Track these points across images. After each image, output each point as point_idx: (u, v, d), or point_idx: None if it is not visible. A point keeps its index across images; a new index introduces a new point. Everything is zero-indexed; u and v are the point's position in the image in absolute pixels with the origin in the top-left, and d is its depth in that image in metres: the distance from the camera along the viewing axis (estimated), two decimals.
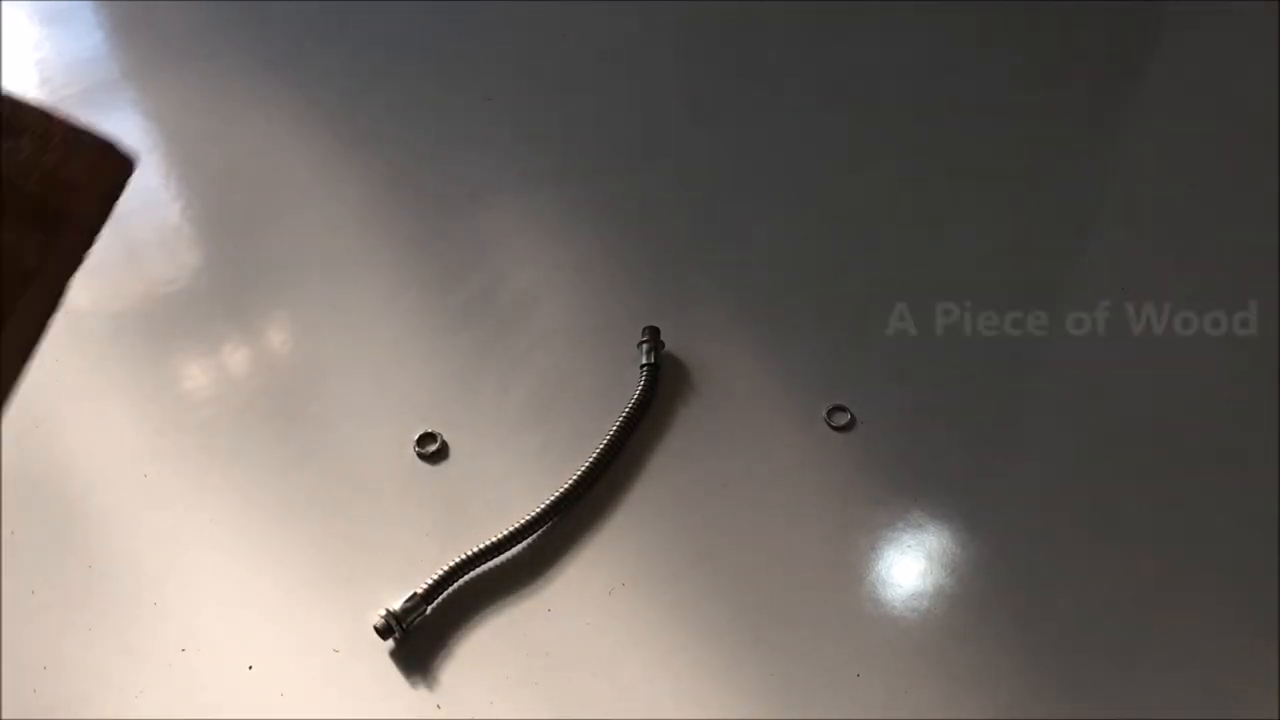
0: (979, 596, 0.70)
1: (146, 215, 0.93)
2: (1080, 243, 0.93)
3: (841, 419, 0.78)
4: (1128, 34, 1.10)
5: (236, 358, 0.84)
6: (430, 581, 0.68)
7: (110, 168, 0.45)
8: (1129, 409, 0.80)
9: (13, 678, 0.66)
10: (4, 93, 0.43)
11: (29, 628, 0.68)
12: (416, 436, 0.77)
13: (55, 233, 0.43)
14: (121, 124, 1.02)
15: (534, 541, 0.71)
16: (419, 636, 0.67)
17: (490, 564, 0.70)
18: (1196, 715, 0.64)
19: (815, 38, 1.08)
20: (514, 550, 0.71)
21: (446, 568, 0.68)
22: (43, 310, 0.43)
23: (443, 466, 0.76)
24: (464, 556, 0.69)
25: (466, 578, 0.69)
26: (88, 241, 0.45)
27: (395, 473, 0.75)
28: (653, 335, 0.81)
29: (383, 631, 0.66)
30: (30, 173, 0.42)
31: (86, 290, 0.88)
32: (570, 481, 0.72)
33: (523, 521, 0.70)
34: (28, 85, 1.03)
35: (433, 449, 0.76)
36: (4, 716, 0.64)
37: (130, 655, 0.67)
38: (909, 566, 0.71)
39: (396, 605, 0.66)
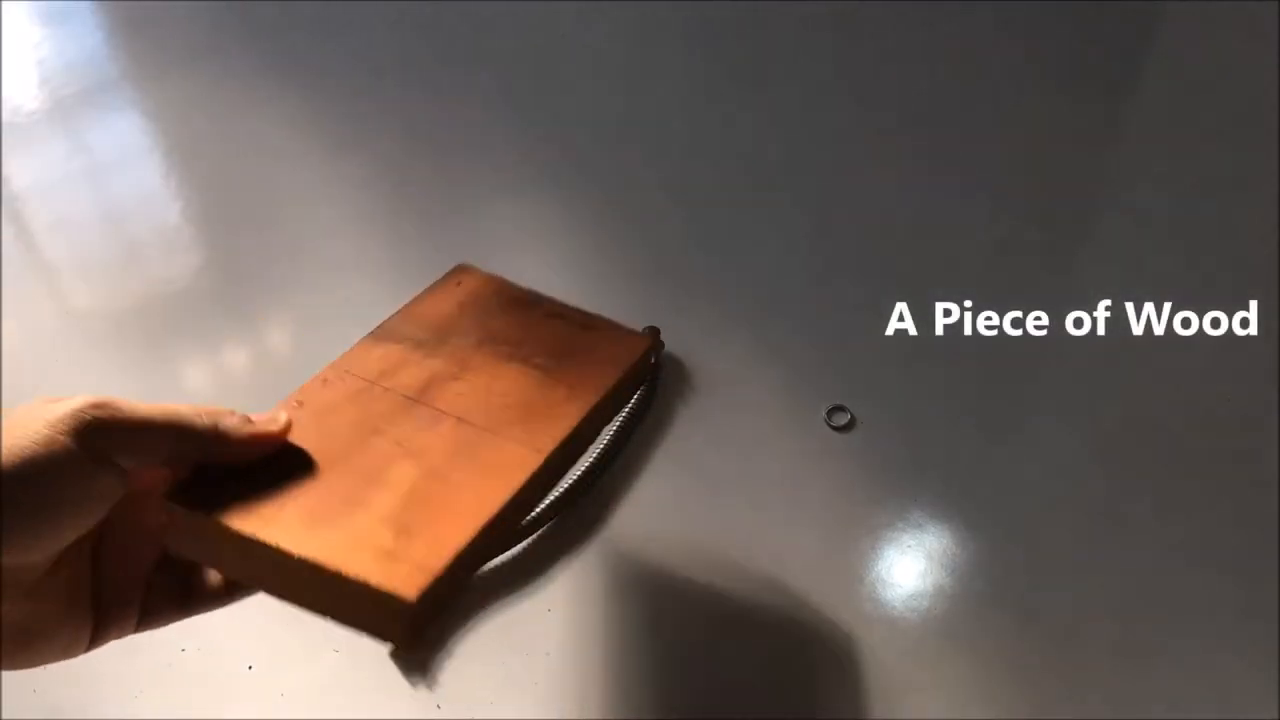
0: (979, 596, 0.70)
1: (146, 215, 0.93)
2: (1080, 243, 0.93)
3: (841, 419, 0.78)
4: (1128, 34, 1.10)
5: (237, 358, 0.84)
6: None
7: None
8: (1129, 409, 0.80)
9: (13, 678, 0.66)
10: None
11: None
12: None
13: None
14: (121, 124, 1.02)
15: (534, 541, 0.71)
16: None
17: (490, 564, 0.70)
18: (1196, 715, 0.64)
19: (815, 38, 1.08)
20: (514, 550, 0.71)
21: None
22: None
23: None
24: None
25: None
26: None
27: None
28: (653, 335, 0.81)
29: None
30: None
31: (86, 290, 0.88)
32: (570, 481, 0.72)
33: (523, 521, 0.70)
34: (28, 85, 1.03)
35: None
36: (4, 716, 0.64)
37: (130, 655, 0.67)
38: (909, 566, 0.71)
39: None
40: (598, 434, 0.60)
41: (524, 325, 0.63)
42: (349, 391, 0.56)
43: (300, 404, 0.55)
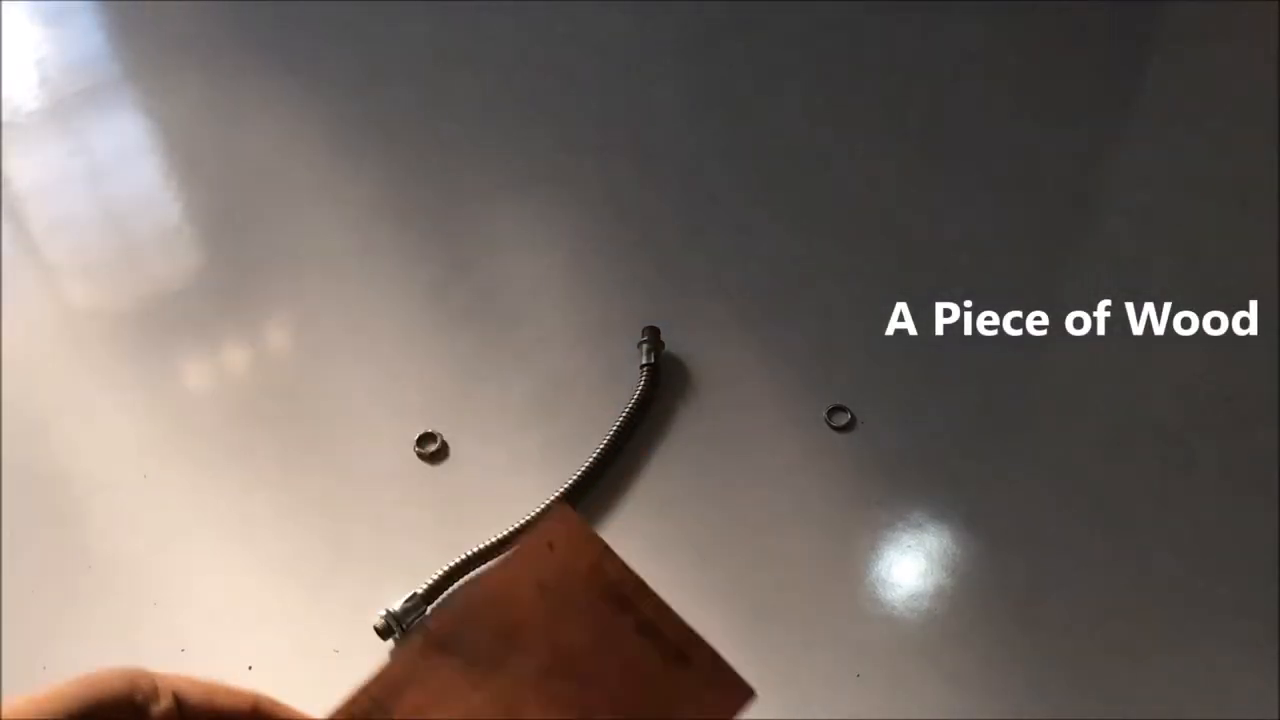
0: (979, 596, 0.70)
1: (146, 215, 0.93)
2: (1080, 243, 0.93)
3: (841, 419, 0.78)
4: (1128, 34, 1.10)
5: (236, 358, 0.84)
6: (430, 582, 0.68)
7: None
8: (1129, 409, 0.80)
9: (13, 678, 0.66)
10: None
11: (29, 628, 0.68)
12: (416, 436, 0.77)
13: None
14: (121, 124, 1.02)
15: None
16: None
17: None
18: (1196, 715, 0.64)
19: (814, 38, 1.08)
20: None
21: (447, 568, 0.68)
22: None
23: (443, 466, 0.76)
24: (464, 556, 0.69)
25: (467, 578, 0.69)
26: None
27: (395, 473, 0.75)
28: (653, 335, 0.81)
29: (383, 632, 0.66)
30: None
31: (86, 290, 0.88)
32: (570, 481, 0.72)
33: (523, 521, 0.70)
34: (28, 85, 1.03)
35: (433, 449, 0.76)
36: None
37: (130, 655, 0.67)
38: (909, 566, 0.71)
39: (396, 605, 0.66)
40: None
41: (603, 647, 0.52)
42: None
43: None
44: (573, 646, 0.52)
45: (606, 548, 0.53)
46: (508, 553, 0.54)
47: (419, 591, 0.67)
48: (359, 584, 0.69)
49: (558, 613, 0.53)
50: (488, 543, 0.69)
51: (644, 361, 0.79)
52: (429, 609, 0.68)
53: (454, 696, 0.49)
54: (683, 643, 0.52)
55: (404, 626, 0.66)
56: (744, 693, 0.52)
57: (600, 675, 0.51)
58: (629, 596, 0.53)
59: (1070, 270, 0.91)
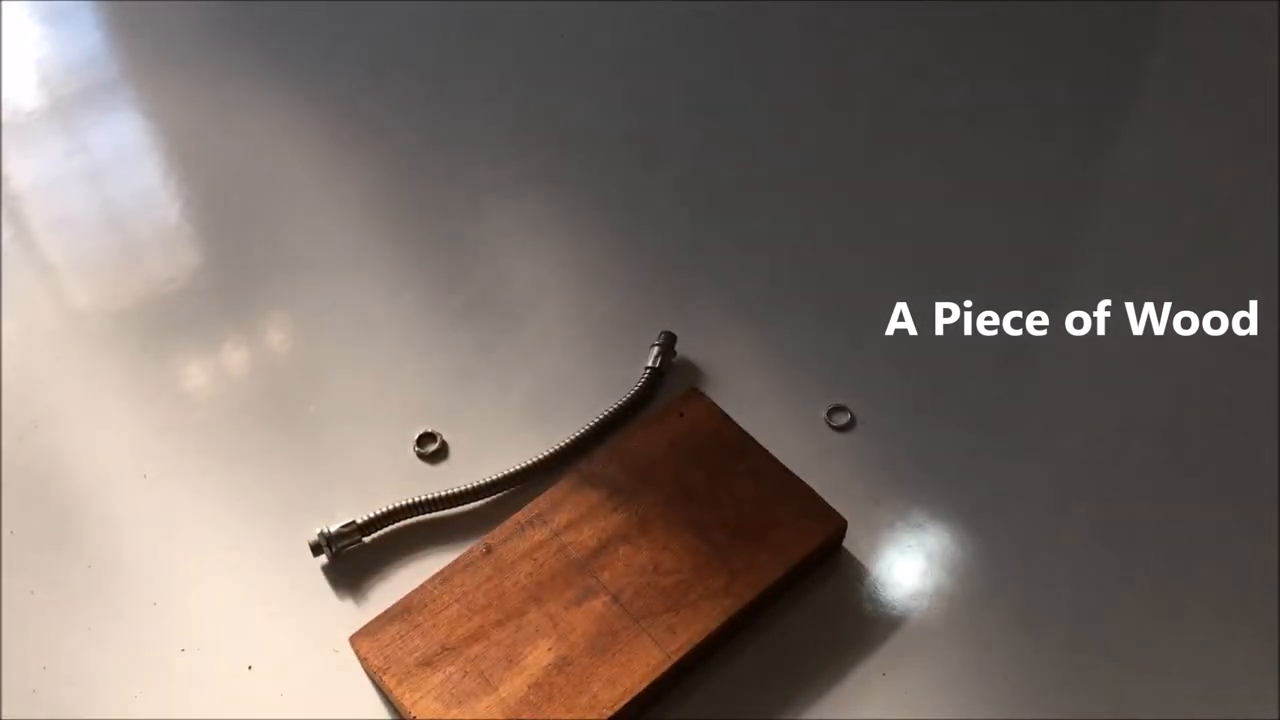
0: (979, 596, 0.70)
1: (146, 215, 0.93)
2: (1080, 243, 0.93)
3: (841, 419, 0.78)
4: (1128, 34, 1.10)
5: (236, 358, 0.84)
6: (371, 515, 0.71)
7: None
8: (1129, 409, 0.80)
9: (13, 678, 0.66)
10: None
11: (29, 628, 0.68)
12: (416, 436, 0.77)
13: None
14: (121, 124, 1.02)
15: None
16: None
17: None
18: (1196, 715, 0.64)
19: (815, 37, 1.08)
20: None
21: (390, 507, 0.71)
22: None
23: (443, 466, 0.76)
24: (410, 501, 0.72)
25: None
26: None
27: (395, 472, 0.75)
28: (667, 340, 0.80)
29: (314, 548, 0.70)
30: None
31: (86, 290, 0.88)
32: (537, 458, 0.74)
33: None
34: (28, 85, 1.03)
35: (433, 449, 0.76)
36: (4, 716, 0.64)
37: (130, 655, 0.67)
38: (909, 566, 0.71)
39: (333, 528, 0.70)
40: (751, 619, 0.65)
41: (718, 483, 0.67)
42: (534, 543, 0.65)
43: (488, 549, 0.65)
44: (693, 483, 0.67)
45: (726, 416, 0.71)
46: (647, 417, 0.72)
47: (358, 521, 0.70)
48: None
49: (683, 460, 0.68)
50: (439, 494, 0.72)
51: (649, 364, 0.79)
52: (365, 539, 0.70)
53: (597, 515, 0.65)
54: (785, 483, 0.67)
55: (334, 549, 0.69)
56: (836, 520, 0.67)
57: (714, 503, 0.66)
58: (741, 449, 0.69)
59: (1070, 270, 0.91)
